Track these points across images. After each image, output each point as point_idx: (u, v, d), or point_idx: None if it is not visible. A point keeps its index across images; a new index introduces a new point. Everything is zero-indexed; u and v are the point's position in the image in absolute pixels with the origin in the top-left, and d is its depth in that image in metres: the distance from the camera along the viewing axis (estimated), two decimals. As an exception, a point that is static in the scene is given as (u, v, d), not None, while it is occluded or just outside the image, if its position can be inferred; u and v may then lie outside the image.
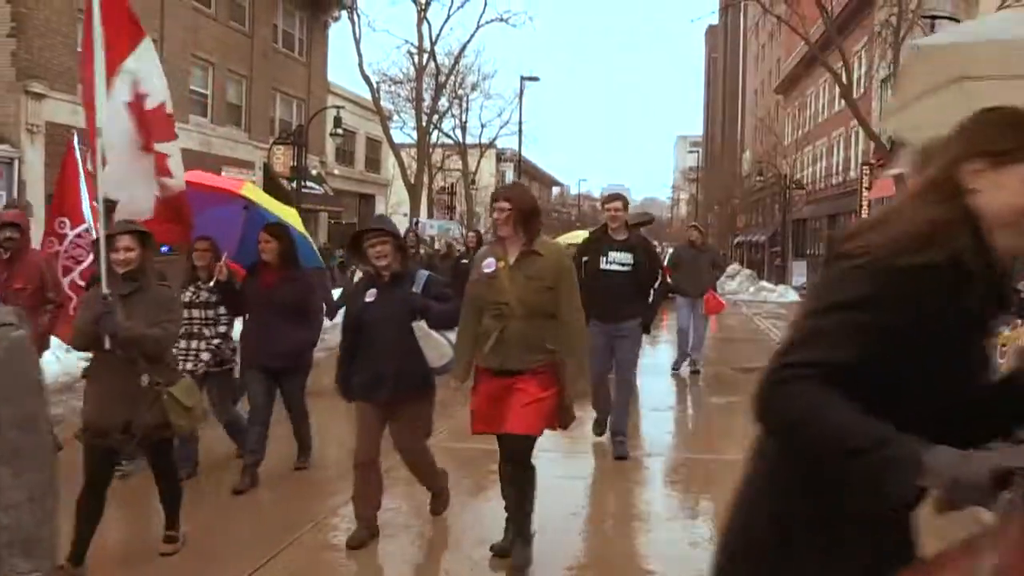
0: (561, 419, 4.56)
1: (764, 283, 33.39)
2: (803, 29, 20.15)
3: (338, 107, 26.81)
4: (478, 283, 4.55)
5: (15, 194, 17.45)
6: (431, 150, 34.91)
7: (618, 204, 7.01)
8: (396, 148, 32.75)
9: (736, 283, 32.96)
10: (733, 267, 38.84)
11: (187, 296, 6.10)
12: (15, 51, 17.69)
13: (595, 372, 6.19)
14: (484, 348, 4.46)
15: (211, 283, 6.11)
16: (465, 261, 11.02)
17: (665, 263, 11.58)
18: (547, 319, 4.42)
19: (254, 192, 7.17)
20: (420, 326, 4.66)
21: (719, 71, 79.26)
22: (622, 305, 6.79)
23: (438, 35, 33.01)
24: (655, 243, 32.05)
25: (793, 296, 29.79)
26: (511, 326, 4.38)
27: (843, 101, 22.18)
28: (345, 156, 34.70)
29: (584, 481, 6.53)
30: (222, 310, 6.23)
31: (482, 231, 21.85)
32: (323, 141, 29.63)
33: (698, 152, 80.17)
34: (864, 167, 30.17)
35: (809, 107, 41.95)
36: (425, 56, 32.55)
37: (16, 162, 17.66)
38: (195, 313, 6.10)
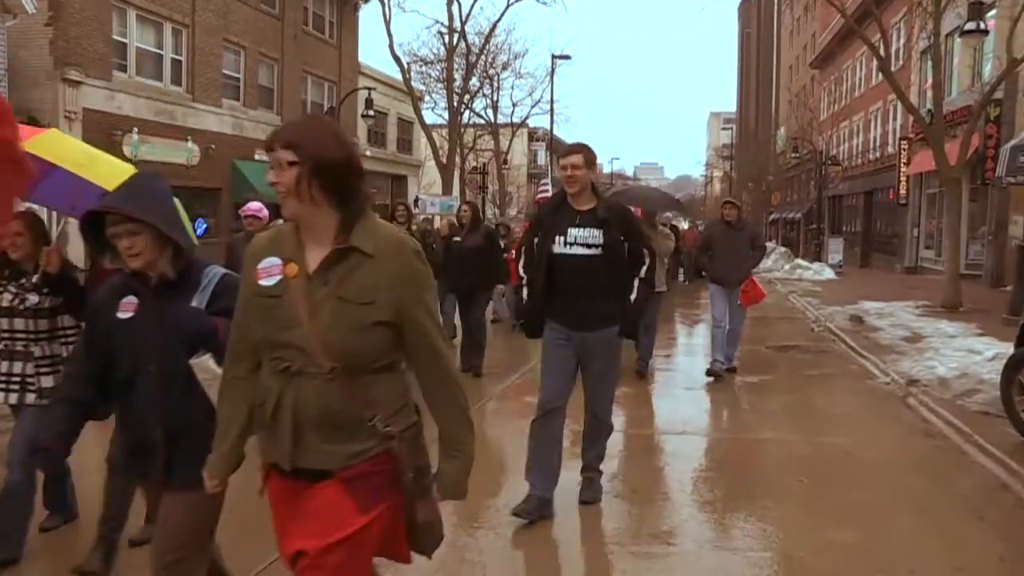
0: (414, 543, 2.53)
1: (800, 261, 33.03)
2: (839, 1, 19.78)
3: (369, 88, 26.84)
4: (250, 304, 2.42)
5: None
6: (462, 130, 34.86)
7: (576, 159, 4.84)
8: (427, 129, 32.72)
9: (771, 261, 32.65)
10: (769, 245, 38.50)
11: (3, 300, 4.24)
12: (53, 39, 17.91)
13: (545, 396, 5.02)
14: (261, 429, 2.46)
15: (36, 277, 4.22)
16: (458, 239, 9.76)
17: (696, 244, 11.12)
18: (377, 374, 2.35)
19: (52, 144, 4.37)
20: (204, 365, 2.89)
21: (753, 46, 78.25)
22: (590, 304, 4.88)
23: (468, 14, 33.11)
24: (692, 222, 30.51)
25: (829, 274, 29.40)
26: (306, 390, 2.30)
27: (880, 74, 21.79)
28: (377, 137, 34.78)
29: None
30: (67, 320, 4.35)
31: (514, 214, 21.54)
32: (355, 123, 29.70)
33: (731, 129, 79.32)
34: (902, 141, 29.71)
35: (845, 81, 41.29)
36: (456, 36, 32.45)
37: (54, 148, 17.90)
38: (17, 324, 4.24)
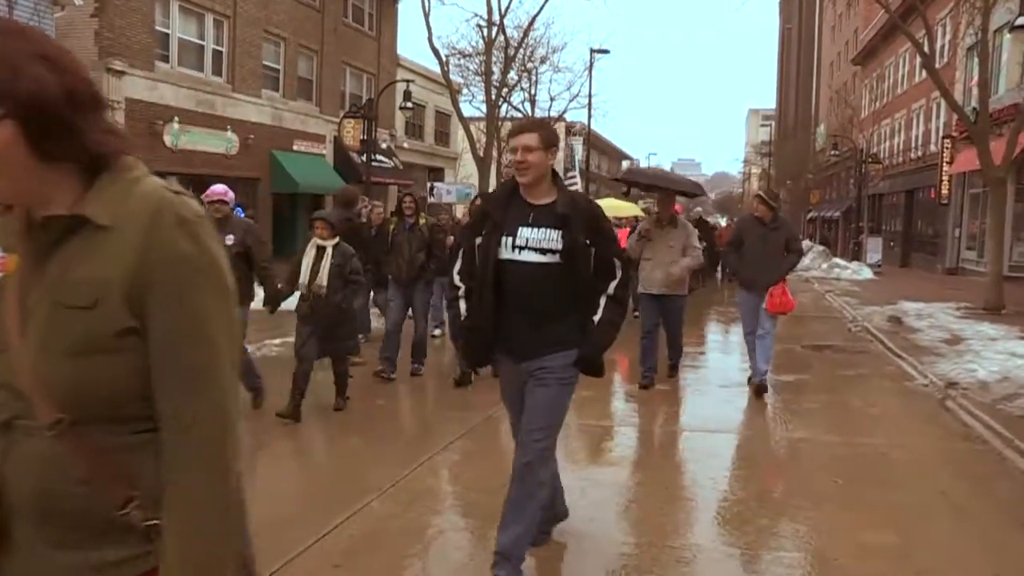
0: None
1: (837, 260, 32.64)
2: (883, -3, 19.50)
3: (408, 81, 26.90)
4: None
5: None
6: (500, 123, 34.82)
7: (529, 139, 3.82)
8: (465, 121, 32.71)
9: (809, 259, 32.29)
10: (805, 243, 38.10)
11: None
12: (98, 30, 18.18)
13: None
14: None
15: None
16: (452, 237, 9.11)
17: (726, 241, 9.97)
18: (134, 432, 1.42)
19: None
20: None
21: (793, 42, 77.40)
22: (540, 327, 3.85)
23: (507, 7, 33.02)
24: (731, 219, 28.91)
25: (868, 274, 29.02)
26: (20, 457, 1.39)
27: (924, 71, 21.44)
28: (414, 130, 34.88)
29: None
30: None
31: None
32: (393, 115, 29.80)
33: (770, 126, 78.54)
34: (945, 140, 29.22)
35: (888, 78, 40.68)
36: (494, 29, 32.40)
37: (97, 137, 18.20)
38: None
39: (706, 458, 6.43)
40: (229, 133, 22.01)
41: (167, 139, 19.72)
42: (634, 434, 7.33)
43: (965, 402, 8.29)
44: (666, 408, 8.11)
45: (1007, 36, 20.32)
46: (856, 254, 35.32)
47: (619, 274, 3.92)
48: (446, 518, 5.02)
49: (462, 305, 4.00)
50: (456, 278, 4.04)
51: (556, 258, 3.78)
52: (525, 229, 3.82)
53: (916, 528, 4.90)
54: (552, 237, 3.79)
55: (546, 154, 3.83)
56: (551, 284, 3.81)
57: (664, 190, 9.00)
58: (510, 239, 3.82)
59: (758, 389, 8.52)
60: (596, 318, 3.88)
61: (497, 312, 3.85)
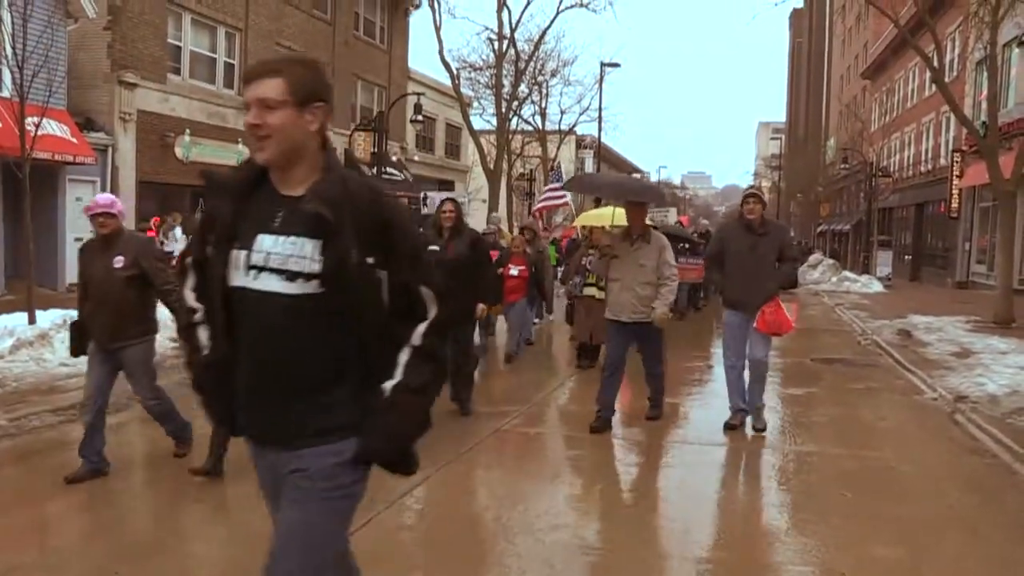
0: None
1: (847, 273, 32.56)
2: (892, 11, 19.50)
3: (418, 94, 27.03)
4: None
5: (108, 179, 18.19)
6: (510, 136, 34.92)
7: (266, 90, 2.34)
8: (476, 135, 32.85)
9: (818, 272, 32.22)
10: (815, 256, 37.98)
11: None
12: (111, 43, 18.35)
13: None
14: None
15: None
16: (435, 247, 7.42)
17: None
18: None
19: None
20: None
21: (804, 56, 77.50)
22: (296, 395, 2.38)
23: (518, 21, 33.08)
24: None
25: (878, 287, 28.93)
26: None
27: (933, 86, 21.43)
28: (425, 142, 35.03)
29: (647, 466, 6.50)
30: None
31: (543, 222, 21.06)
32: (403, 127, 29.93)
33: (780, 139, 78.52)
34: (955, 154, 29.17)
35: (897, 92, 40.66)
36: (505, 42, 32.56)
37: (110, 149, 18.38)
38: None
39: (713, 470, 6.43)
40: (240, 146, 22.12)
41: (178, 151, 19.86)
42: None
43: (975, 416, 8.26)
44: (671, 420, 8.08)
45: (1015, 51, 20.33)
46: (866, 267, 35.24)
47: (434, 312, 2.40)
48: (454, 529, 5.04)
49: (201, 335, 2.52)
50: (190, 297, 2.59)
51: (314, 286, 2.29)
52: (267, 238, 2.32)
53: (925, 542, 4.89)
54: (305, 250, 2.29)
55: (299, 113, 2.33)
56: (306, 330, 2.31)
57: (635, 203, 7.64)
58: (244, 254, 2.34)
59: (757, 430, 7.41)
60: (391, 385, 2.34)
61: (234, 368, 2.43)
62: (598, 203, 18.79)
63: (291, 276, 2.30)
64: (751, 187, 8.89)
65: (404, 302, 2.39)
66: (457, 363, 7.64)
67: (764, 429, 7.40)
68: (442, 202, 8.12)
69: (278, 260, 2.31)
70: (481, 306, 8.24)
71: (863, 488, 5.92)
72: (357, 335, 2.34)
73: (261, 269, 2.33)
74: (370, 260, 2.31)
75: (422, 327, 2.40)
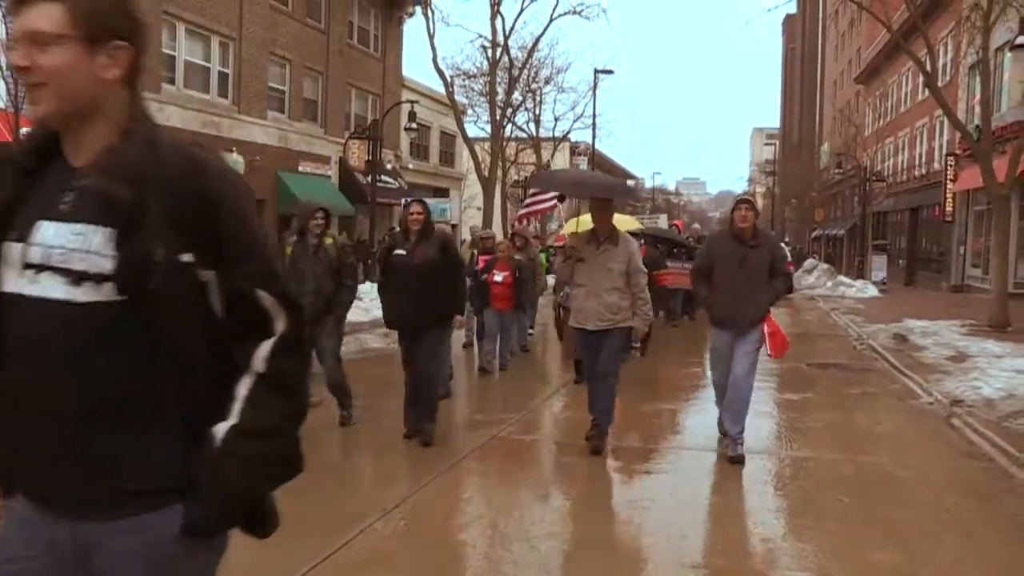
0: None
1: (842, 278, 32.61)
2: (885, 16, 19.56)
3: (412, 102, 27.06)
4: None
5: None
6: (505, 144, 34.97)
7: (37, 20, 1.60)
8: (470, 142, 32.89)
9: (814, 277, 32.27)
10: (810, 261, 38.06)
11: None
12: (103, 51, 18.34)
13: None
14: None
15: None
16: (401, 252, 6.88)
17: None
18: None
19: None
20: None
21: (797, 61, 77.75)
22: (90, 440, 1.62)
23: (511, 29, 33.08)
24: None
25: (873, 291, 28.98)
26: None
27: (927, 90, 21.49)
28: (419, 150, 35.05)
29: (663, 477, 6.49)
30: None
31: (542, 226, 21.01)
32: (398, 135, 29.94)
33: (775, 144, 78.75)
34: (949, 158, 29.24)
35: (891, 96, 40.77)
36: (499, 50, 32.62)
37: (104, 159, 18.34)
38: None
39: (710, 476, 6.42)
40: (235, 155, 22.12)
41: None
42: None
43: (971, 420, 8.26)
44: (668, 426, 8.07)
45: (1008, 55, 20.35)
46: (861, 272, 35.29)
47: (282, 326, 1.75)
48: (450, 537, 5.02)
49: None
50: None
51: (108, 292, 1.62)
52: (50, 226, 1.66)
53: (921, 547, 4.88)
54: (91, 244, 1.63)
55: (88, 54, 1.64)
56: (102, 353, 1.62)
57: (600, 201, 6.99)
58: (17, 248, 1.67)
59: (732, 460, 6.64)
60: (224, 429, 1.67)
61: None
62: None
63: (77, 278, 1.61)
64: (744, 194, 8.86)
65: (242, 315, 1.73)
66: (419, 384, 7.03)
67: (741, 462, 6.57)
68: (408, 203, 7.28)
69: (60, 256, 1.62)
70: (458, 317, 7.45)
71: (860, 493, 5.91)
72: (176, 360, 1.67)
73: (41, 268, 1.64)
74: (186, 257, 1.64)
75: (266, 348, 1.73)
